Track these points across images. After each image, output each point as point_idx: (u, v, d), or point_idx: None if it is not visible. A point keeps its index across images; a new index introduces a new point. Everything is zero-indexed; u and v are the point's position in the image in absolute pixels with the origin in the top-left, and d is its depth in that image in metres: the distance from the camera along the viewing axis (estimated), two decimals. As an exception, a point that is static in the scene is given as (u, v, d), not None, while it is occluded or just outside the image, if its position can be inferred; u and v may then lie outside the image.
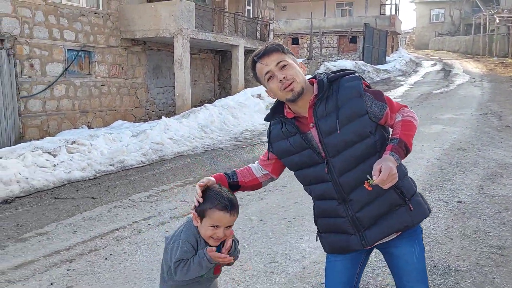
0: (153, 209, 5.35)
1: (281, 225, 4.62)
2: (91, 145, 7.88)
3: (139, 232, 4.62)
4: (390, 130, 1.92)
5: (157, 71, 13.62)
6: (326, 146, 1.84)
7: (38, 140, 8.60)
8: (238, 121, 11.48)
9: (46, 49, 9.96)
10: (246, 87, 14.84)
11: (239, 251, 1.92)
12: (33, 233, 4.69)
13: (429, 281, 2.85)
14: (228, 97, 13.29)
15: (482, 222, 4.45)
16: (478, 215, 4.66)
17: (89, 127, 11.04)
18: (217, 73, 16.90)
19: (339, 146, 1.83)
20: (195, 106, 12.16)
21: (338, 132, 1.81)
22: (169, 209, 5.31)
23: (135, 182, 6.71)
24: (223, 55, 16.68)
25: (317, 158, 1.87)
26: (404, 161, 1.88)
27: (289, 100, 1.86)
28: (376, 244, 1.93)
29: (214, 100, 13.16)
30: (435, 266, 3.55)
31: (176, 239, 1.82)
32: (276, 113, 2.00)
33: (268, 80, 1.87)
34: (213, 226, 1.76)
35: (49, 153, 7.21)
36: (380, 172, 1.66)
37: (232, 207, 1.78)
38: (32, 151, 7.06)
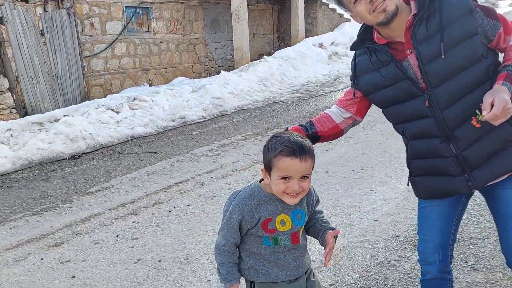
0: (215, 163, 5.26)
1: (348, 177, 4.35)
2: (152, 101, 7.90)
3: (202, 185, 4.55)
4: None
5: (215, 25, 13.35)
6: (428, 75, 1.54)
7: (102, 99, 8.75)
8: (299, 72, 11.06)
9: (105, 7, 9.97)
10: (306, 37, 14.22)
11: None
12: (99, 187, 4.77)
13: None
14: (288, 47, 12.80)
15: None
16: None
17: (150, 84, 11.12)
18: (276, 25, 16.31)
19: (444, 74, 1.52)
20: (253, 60, 11.84)
21: (443, 57, 1.50)
22: (231, 162, 5.21)
23: (196, 137, 6.66)
24: (282, 5, 16.01)
25: (415, 90, 1.58)
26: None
27: (381, 23, 1.54)
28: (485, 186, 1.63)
29: (273, 53, 12.73)
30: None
31: (231, 197, 1.57)
32: (364, 40, 1.68)
33: (354, 2, 1.55)
34: (284, 178, 1.45)
35: (112, 110, 7.31)
36: (491, 106, 1.36)
37: (302, 151, 1.44)
38: (96, 108, 7.18)
